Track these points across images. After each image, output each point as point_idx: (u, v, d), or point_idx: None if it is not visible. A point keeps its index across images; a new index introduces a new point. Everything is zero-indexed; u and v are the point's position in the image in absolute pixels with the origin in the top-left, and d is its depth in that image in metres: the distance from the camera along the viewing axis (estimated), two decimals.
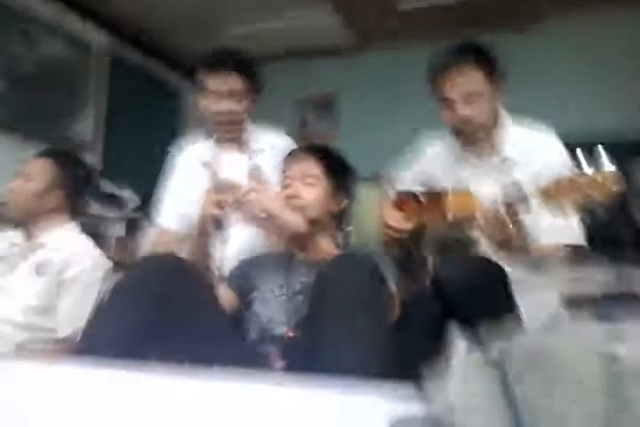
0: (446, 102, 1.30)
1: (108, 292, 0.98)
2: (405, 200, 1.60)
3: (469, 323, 1.05)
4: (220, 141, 1.51)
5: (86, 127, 3.57)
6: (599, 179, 0.88)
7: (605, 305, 1.89)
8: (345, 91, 4.37)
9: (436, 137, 1.52)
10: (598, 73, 3.63)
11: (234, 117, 1.44)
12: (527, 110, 1.45)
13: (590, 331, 1.30)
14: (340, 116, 4.43)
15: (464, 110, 1.27)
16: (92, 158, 3.61)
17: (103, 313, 0.95)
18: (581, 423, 0.29)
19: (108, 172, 3.83)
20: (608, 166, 0.88)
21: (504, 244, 1.09)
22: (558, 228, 1.21)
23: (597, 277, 3.11)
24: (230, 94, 1.41)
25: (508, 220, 1.06)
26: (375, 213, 1.63)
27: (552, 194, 0.95)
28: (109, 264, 1.40)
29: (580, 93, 3.62)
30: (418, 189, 1.57)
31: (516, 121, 1.39)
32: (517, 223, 1.07)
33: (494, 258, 1.21)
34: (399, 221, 1.49)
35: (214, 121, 1.46)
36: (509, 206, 1.06)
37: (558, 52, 3.71)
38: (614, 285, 2.42)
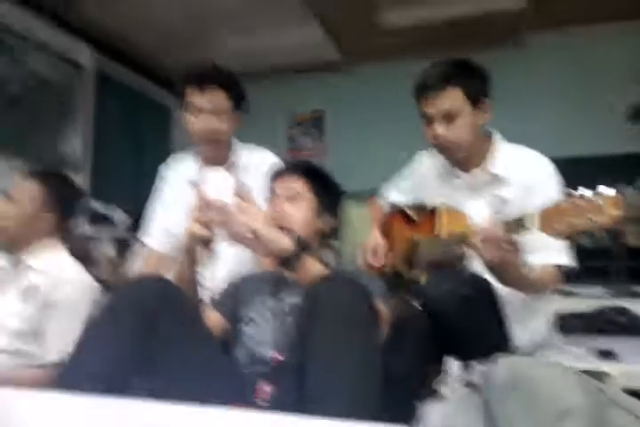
0: (426, 120, 1.32)
1: (94, 317, 0.97)
2: (395, 218, 1.60)
3: (459, 340, 1.05)
4: (205, 159, 1.51)
5: (74, 146, 3.56)
6: (600, 202, 0.86)
7: (597, 322, 1.89)
8: (332, 107, 4.41)
9: (427, 153, 1.53)
10: (580, 88, 3.69)
11: (218, 136, 1.43)
12: (511, 128, 1.47)
13: (580, 350, 1.29)
14: (326, 132, 4.46)
15: (439, 129, 1.28)
16: (81, 178, 3.60)
17: (87, 341, 0.93)
18: None
19: (98, 191, 3.82)
20: (606, 189, 0.86)
21: (499, 263, 1.07)
22: (549, 248, 1.21)
23: (589, 295, 3.12)
24: (215, 112, 1.40)
25: (505, 240, 1.05)
26: (365, 232, 1.63)
27: (553, 217, 0.93)
28: (97, 287, 1.37)
29: (563, 110, 3.68)
30: (407, 205, 1.57)
31: (505, 141, 1.39)
32: (514, 243, 1.06)
33: (485, 275, 1.21)
34: (377, 255, 1.49)
35: (199, 139, 1.45)
36: (507, 226, 1.05)
37: (542, 68, 3.78)
38: (606, 302, 2.43)
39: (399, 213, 1.59)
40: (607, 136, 3.54)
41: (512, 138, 1.43)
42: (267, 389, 0.96)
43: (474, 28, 3.56)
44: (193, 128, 1.43)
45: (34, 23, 3.30)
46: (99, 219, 3.74)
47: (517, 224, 1.01)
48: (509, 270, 1.10)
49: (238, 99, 1.45)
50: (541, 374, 0.33)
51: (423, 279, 1.28)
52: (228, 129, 1.45)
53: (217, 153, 1.47)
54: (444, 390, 0.40)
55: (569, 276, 1.30)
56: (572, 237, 0.89)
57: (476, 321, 1.05)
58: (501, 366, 0.37)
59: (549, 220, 0.94)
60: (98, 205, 3.78)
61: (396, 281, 1.45)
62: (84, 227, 3.53)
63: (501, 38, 3.72)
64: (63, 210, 1.42)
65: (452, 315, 1.06)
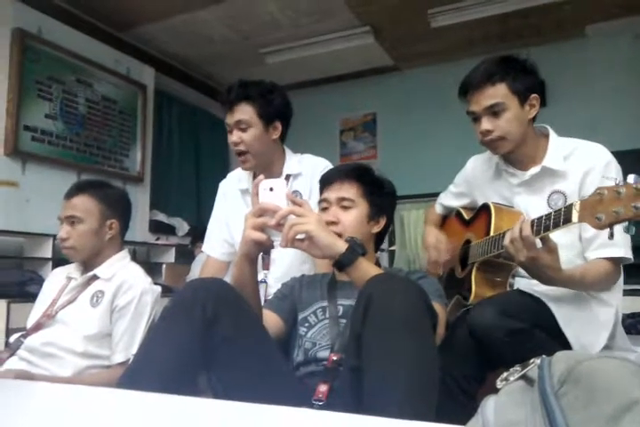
0: (474, 118, 1.31)
1: (158, 319, 1.01)
2: (452, 220, 1.58)
3: (509, 362, 1.01)
4: (254, 170, 1.54)
5: (139, 161, 3.75)
6: None
7: None
8: (383, 111, 4.40)
9: (480, 156, 1.51)
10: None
11: (243, 147, 1.46)
12: (573, 123, 1.41)
13: None
14: (378, 136, 4.45)
15: (486, 124, 1.27)
16: (145, 189, 3.79)
17: (150, 341, 0.97)
18: None
19: (161, 203, 4.00)
20: None
21: (531, 264, 1.04)
22: (601, 241, 1.16)
23: None
24: (237, 125, 1.45)
25: (532, 238, 1.01)
26: (420, 234, 1.62)
27: (591, 208, 0.90)
28: (159, 290, 1.44)
29: (625, 106, 3.48)
30: (462, 204, 1.55)
31: (560, 136, 1.35)
32: (546, 241, 1.03)
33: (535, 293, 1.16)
34: (440, 251, 1.47)
35: (235, 152, 1.50)
36: (539, 224, 1.02)
37: (603, 59, 3.60)
38: None
39: (456, 215, 1.57)
40: None
41: (572, 130, 1.37)
42: (323, 389, 0.97)
43: (527, 21, 3.45)
44: (230, 143, 1.49)
45: (97, 48, 3.52)
46: (162, 228, 3.92)
47: (557, 218, 0.97)
48: (544, 270, 1.06)
49: (267, 110, 1.46)
50: (599, 366, 0.32)
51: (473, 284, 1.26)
52: (257, 141, 1.46)
53: (250, 165, 1.50)
54: (499, 384, 0.39)
55: (633, 273, 1.23)
56: (630, 228, 0.84)
57: (527, 349, 1.02)
58: (558, 359, 0.36)
59: (590, 210, 0.90)
60: (161, 216, 3.96)
61: (451, 281, 1.43)
62: (145, 234, 3.71)
63: (556, 31, 3.58)
64: (122, 214, 1.49)
65: (499, 349, 1.03)
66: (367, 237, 1.21)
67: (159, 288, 1.44)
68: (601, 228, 0.89)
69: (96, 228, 1.42)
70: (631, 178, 0.84)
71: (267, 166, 1.51)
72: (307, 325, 1.15)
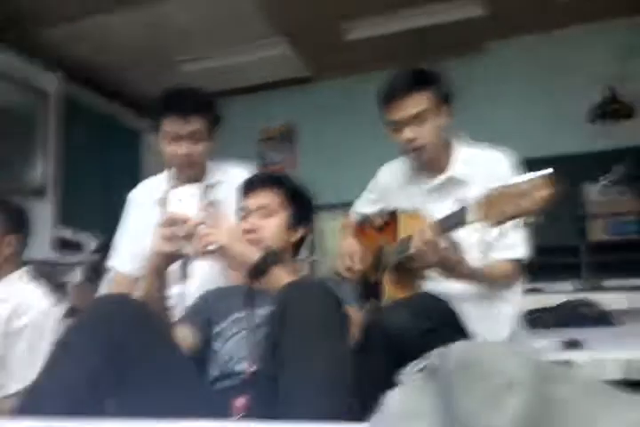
0: (393, 126, 1.35)
1: (59, 339, 0.94)
2: (366, 227, 1.63)
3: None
4: (179, 181, 1.50)
5: (41, 173, 3.50)
6: (526, 188, 0.88)
7: (564, 316, 1.93)
8: (301, 121, 4.45)
9: (390, 165, 1.56)
10: (542, 91, 3.81)
11: (194, 159, 1.42)
12: (477, 131, 1.51)
13: (546, 342, 1.31)
14: (297, 146, 4.49)
15: (409, 133, 1.32)
16: (48, 205, 3.53)
17: (51, 365, 0.90)
18: (506, 422, 0.30)
19: (67, 218, 3.74)
20: (535, 174, 0.88)
21: (438, 264, 1.10)
22: (503, 243, 1.25)
23: (557, 291, 3.20)
24: (190, 136, 1.39)
25: (437, 241, 1.07)
26: (338, 243, 1.65)
27: (484, 208, 0.96)
28: (61, 312, 1.34)
29: (530, 115, 3.79)
30: (376, 213, 1.60)
31: (469, 143, 1.43)
32: (449, 244, 1.09)
33: (440, 287, 1.23)
34: (354, 260, 1.51)
35: (174, 164, 1.44)
36: (440, 226, 1.08)
37: (506, 72, 3.90)
38: (575, 296, 2.49)
39: (369, 223, 1.62)
40: (571, 136, 3.66)
41: (482, 141, 1.45)
42: (241, 402, 0.95)
43: (437, 36, 3.66)
44: (172, 155, 1.42)
45: None
46: (67, 245, 3.66)
47: (456, 219, 1.03)
48: (452, 269, 1.13)
49: (212, 120, 1.44)
50: (487, 352, 0.35)
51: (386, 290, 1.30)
52: (203, 152, 1.44)
53: (192, 174, 1.46)
54: (402, 376, 0.41)
55: (533, 271, 1.34)
56: (526, 225, 0.91)
57: (436, 347, 1.07)
58: (454, 349, 0.39)
59: (482, 211, 0.96)
60: (66, 232, 3.71)
61: (366, 286, 1.46)
62: (49, 252, 3.45)
63: (464, 46, 3.83)
64: (22, 230, 1.39)
65: (412, 348, 1.07)
66: (286, 245, 1.22)
67: (60, 310, 1.34)
68: (493, 226, 0.95)
69: None
70: (518, 178, 0.91)
71: (192, 178, 1.47)
72: (223, 338, 1.12)
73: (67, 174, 3.83)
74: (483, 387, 0.33)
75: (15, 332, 1.24)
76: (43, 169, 3.51)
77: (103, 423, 0.73)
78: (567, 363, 1.13)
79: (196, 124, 1.38)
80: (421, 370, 0.41)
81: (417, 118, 1.30)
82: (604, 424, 0.29)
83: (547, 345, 1.27)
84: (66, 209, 3.72)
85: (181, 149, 1.39)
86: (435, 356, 0.40)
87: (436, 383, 0.37)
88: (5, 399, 1.19)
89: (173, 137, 1.39)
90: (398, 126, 1.33)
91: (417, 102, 1.30)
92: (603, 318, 1.95)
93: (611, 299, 2.56)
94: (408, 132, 1.32)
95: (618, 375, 1.14)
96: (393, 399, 0.40)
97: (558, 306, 2.04)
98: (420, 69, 1.37)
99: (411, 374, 0.41)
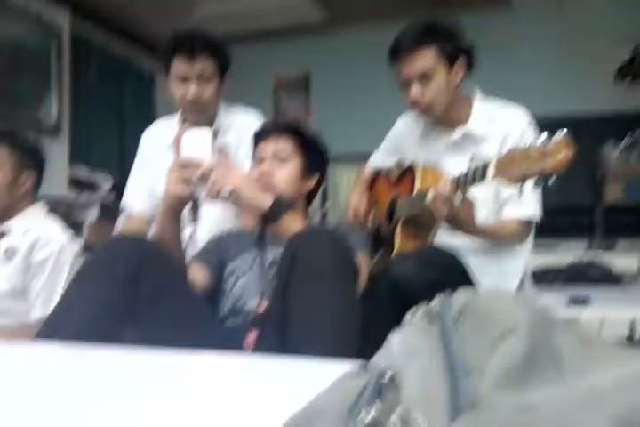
0: (402, 83, 1.32)
1: (76, 274, 0.97)
2: (378, 178, 1.62)
3: None
4: (190, 123, 1.50)
5: (56, 111, 3.48)
6: (548, 148, 0.87)
7: (572, 274, 1.95)
8: (316, 69, 4.33)
9: (409, 116, 1.53)
10: (567, 47, 3.65)
11: (203, 101, 1.41)
12: (498, 90, 1.46)
13: (553, 298, 1.33)
14: (312, 94, 4.39)
15: (415, 91, 1.28)
16: (63, 143, 3.54)
17: (70, 295, 0.94)
18: (503, 363, 0.30)
19: (81, 157, 3.77)
20: (556, 135, 0.87)
21: (451, 219, 1.11)
22: (516, 201, 1.24)
23: (570, 248, 3.21)
24: (199, 78, 1.38)
25: (453, 197, 1.07)
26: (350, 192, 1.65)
27: (505, 166, 0.95)
28: (78, 246, 1.38)
29: (554, 75, 3.64)
30: (391, 164, 1.58)
31: (486, 98, 1.39)
32: (465, 200, 1.09)
33: (450, 240, 1.24)
34: (358, 212, 1.51)
35: (184, 105, 1.44)
36: (458, 182, 1.07)
37: (529, 27, 3.71)
38: (582, 255, 2.49)
39: (385, 174, 1.61)
40: (594, 95, 3.53)
41: (499, 96, 1.42)
42: (253, 336, 0.99)
43: None
44: (181, 96, 1.41)
45: None
46: (82, 185, 3.71)
47: (476, 175, 1.02)
48: (464, 224, 1.14)
49: (226, 65, 1.44)
50: (492, 300, 0.35)
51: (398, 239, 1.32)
52: (216, 95, 1.44)
53: (202, 117, 1.46)
54: (406, 320, 0.42)
55: (546, 231, 1.34)
56: (542, 185, 0.90)
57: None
58: (457, 295, 0.39)
59: (503, 169, 0.96)
60: (79, 169, 3.74)
61: (377, 236, 1.48)
62: (65, 190, 3.51)
63: (489, 0, 3.63)
64: (37, 165, 1.40)
65: (417, 298, 1.09)
66: (299, 194, 1.23)
67: (78, 244, 1.38)
68: (513, 184, 0.94)
69: (10, 180, 1.33)
70: (541, 139, 0.90)
71: (203, 121, 1.47)
72: (234, 276, 1.15)
73: (81, 114, 3.82)
74: (483, 333, 0.34)
75: (37, 264, 1.28)
76: (57, 108, 3.49)
77: (118, 351, 0.76)
78: (572, 320, 1.16)
79: (204, 65, 1.37)
80: (425, 314, 0.42)
81: (423, 76, 1.27)
82: (594, 375, 0.30)
83: (553, 301, 1.29)
84: (81, 149, 3.74)
85: (190, 89, 1.38)
86: (437, 301, 0.41)
87: (437, 327, 0.38)
88: (27, 328, 1.25)
89: (182, 78, 1.39)
90: (405, 83, 1.30)
91: (424, 58, 1.26)
92: (611, 279, 1.97)
93: (622, 260, 2.57)
94: (414, 91, 1.28)
95: (621, 333, 1.17)
96: (394, 340, 0.41)
97: (568, 266, 2.05)
98: (429, 23, 1.30)
99: (413, 318, 0.42)
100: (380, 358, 0.41)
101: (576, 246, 3.33)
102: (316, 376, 0.59)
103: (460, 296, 0.39)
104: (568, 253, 2.87)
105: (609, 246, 3.26)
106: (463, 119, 1.36)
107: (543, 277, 1.86)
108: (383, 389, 0.33)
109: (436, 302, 0.42)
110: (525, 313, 0.33)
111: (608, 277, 1.96)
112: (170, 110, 1.61)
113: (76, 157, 3.73)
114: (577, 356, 0.31)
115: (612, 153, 3.38)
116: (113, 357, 0.74)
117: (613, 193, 3.29)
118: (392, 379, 0.34)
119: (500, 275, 1.30)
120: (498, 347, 0.30)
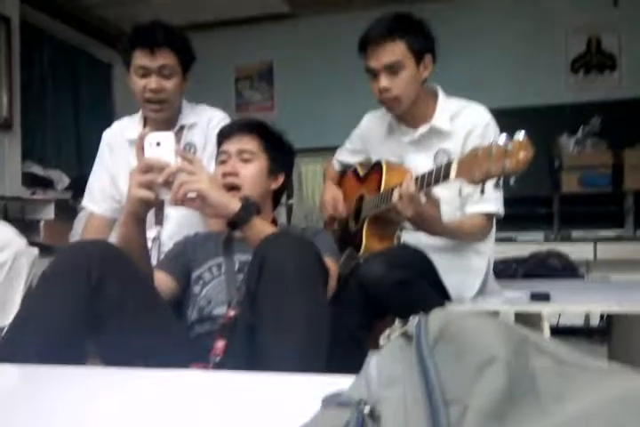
0: (371, 74, 1.32)
1: (37, 281, 0.94)
2: (347, 176, 1.62)
3: (397, 311, 1.11)
4: (152, 122, 1.45)
5: (6, 105, 3.30)
6: (509, 148, 0.89)
7: (533, 266, 2.02)
8: (281, 60, 4.27)
9: (374, 113, 1.53)
10: (525, 41, 3.72)
11: (164, 95, 1.38)
12: (455, 80, 1.48)
13: (515, 294, 1.38)
14: (275, 86, 4.34)
15: (384, 82, 1.29)
16: (15, 138, 3.38)
17: (30, 307, 0.90)
18: (487, 399, 0.31)
19: (35, 151, 3.61)
20: (518, 135, 0.89)
21: (416, 217, 1.12)
22: (479, 198, 1.27)
23: (529, 241, 3.32)
24: (160, 71, 1.35)
25: (418, 194, 1.08)
26: (317, 188, 1.64)
27: (467, 166, 0.97)
28: (36, 252, 1.32)
29: (511, 66, 3.71)
30: (358, 163, 1.59)
31: (448, 96, 1.42)
32: (429, 196, 1.10)
33: (414, 239, 1.26)
34: (336, 206, 1.51)
35: (144, 99, 1.39)
36: (423, 182, 1.08)
37: (489, 21, 3.77)
38: (541, 246, 2.58)
39: (352, 171, 1.61)
40: (549, 86, 3.63)
41: (459, 90, 1.44)
42: (220, 345, 0.97)
43: None
44: (141, 90, 1.37)
45: None
46: (38, 181, 3.55)
47: (440, 175, 1.04)
48: (428, 223, 1.16)
49: (184, 55, 1.40)
50: (468, 324, 0.35)
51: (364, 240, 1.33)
52: (174, 88, 1.40)
53: (165, 115, 1.42)
54: (383, 341, 0.42)
55: (505, 223, 1.38)
56: (500, 184, 0.92)
57: (411, 298, 1.11)
58: (433, 317, 0.39)
59: (466, 168, 0.97)
60: (35, 167, 3.59)
61: (344, 235, 1.48)
62: (19, 188, 3.36)
63: None
64: None
65: (387, 299, 1.11)
66: (265, 193, 1.21)
67: (36, 250, 1.33)
68: (475, 184, 0.96)
69: None
70: (502, 139, 0.91)
71: (166, 119, 1.43)
72: (201, 282, 1.13)
73: (34, 107, 3.65)
74: (460, 362, 0.34)
75: None
76: (8, 100, 3.32)
77: (76, 370, 0.74)
78: (532, 315, 1.20)
79: (166, 59, 1.35)
80: (400, 338, 0.42)
81: (392, 67, 1.28)
82: (573, 401, 0.30)
83: (516, 297, 1.34)
84: (35, 144, 3.59)
85: (151, 83, 1.35)
86: (412, 325, 0.41)
87: (414, 353, 0.38)
88: None
89: (143, 72, 1.36)
90: (374, 74, 1.31)
91: (393, 51, 1.27)
92: (570, 269, 2.05)
93: (579, 249, 2.67)
94: (383, 81, 1.29)
95: (578, 323, 1.22)
96: (371, 364, 0.41)
97: (529, 257, 2.12)
98: (400, 16, 1.32)
99: (389, 342, 0.42)
100: (358, 386, 0.41)
101: (535, 237, 3.45)
102: (288, 392, 0.59)
103: (435, 320, 0.39)
104: (528, 244, 2.96)
105: (566, 237, 3.38)
106: (427, 117, 1.37)
107: (504, 271, 1.91)
108: (364, 423, 0.33)
109: (411, 325, 0.42)
110: (501, 338, 0.33)
111: (567, 268, 2.04)
112: (129, 101, 1.57)
113: (30, 152, 3.57)
114: (554, 381, 0.31)
115: (568, 143, 3.48)
116: (68, 376, 0.71)
117: (570, 183, 3.41)
118: (372, 411, 0.34)
119: (465, 272, 1.33)
120: (478, 380, 0.30)
